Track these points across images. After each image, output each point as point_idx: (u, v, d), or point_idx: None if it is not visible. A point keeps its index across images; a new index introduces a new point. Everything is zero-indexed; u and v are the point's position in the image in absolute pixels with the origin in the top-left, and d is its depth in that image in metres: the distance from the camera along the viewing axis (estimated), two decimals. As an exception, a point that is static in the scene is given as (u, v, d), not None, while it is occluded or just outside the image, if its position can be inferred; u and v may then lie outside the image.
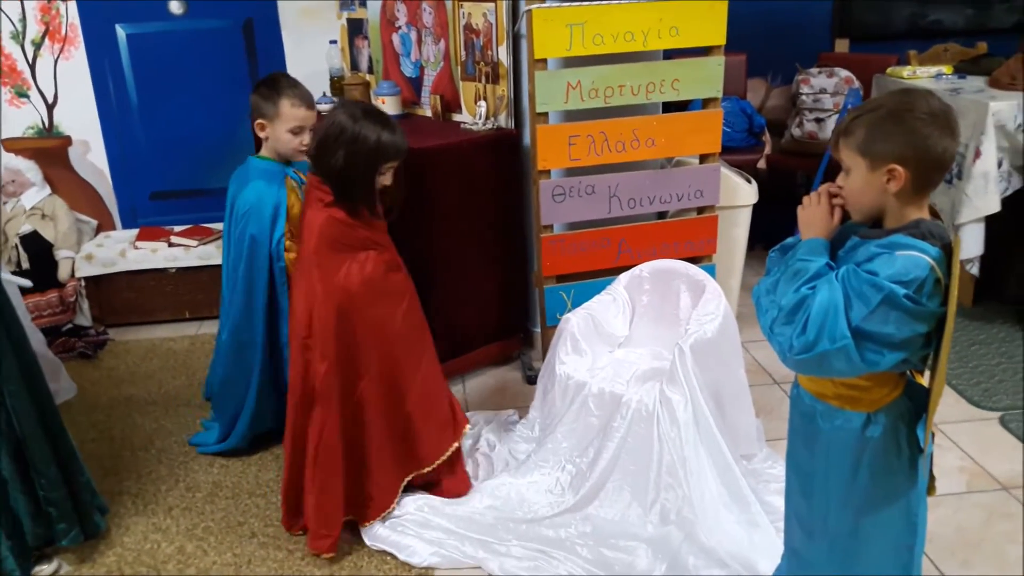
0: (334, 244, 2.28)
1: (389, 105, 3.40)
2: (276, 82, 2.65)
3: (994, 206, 3.41)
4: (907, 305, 1.48)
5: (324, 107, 3.57)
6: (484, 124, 3.14)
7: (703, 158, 3.13)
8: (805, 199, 1.69)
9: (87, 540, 2.38)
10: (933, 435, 1.73)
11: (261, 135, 2.69)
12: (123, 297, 3.92)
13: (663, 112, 3.18)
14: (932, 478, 1.75)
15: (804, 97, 4.37)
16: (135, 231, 4.11)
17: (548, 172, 2.96)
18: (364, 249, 2.31)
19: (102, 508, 2.49)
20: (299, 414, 2.35)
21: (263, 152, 2.73)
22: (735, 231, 3.41)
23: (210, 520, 2.55)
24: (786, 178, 4.69)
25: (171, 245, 3.92)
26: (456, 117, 3.34)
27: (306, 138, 2.64)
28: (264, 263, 2.67)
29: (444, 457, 2.49)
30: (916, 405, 1.67)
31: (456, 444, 2.53)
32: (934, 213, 1.64)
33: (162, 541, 2.46)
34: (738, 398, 2.64)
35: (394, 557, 2.34)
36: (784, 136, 4.52)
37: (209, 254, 3.91)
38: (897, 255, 1.50)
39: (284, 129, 2.63)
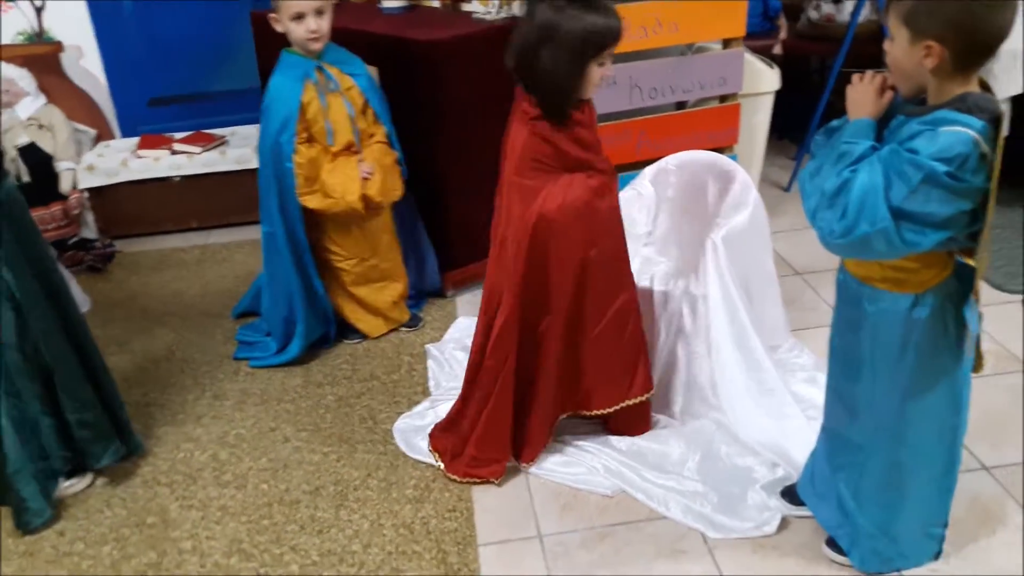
0: (537, 164, 2.01)
1: (394, -3, 3.26)
2: None
3: (1021, 86, 3.32)
4: (948, 183, 1.45)
5: (328, 0, 3.41)
6: (498, 13, 3.00)
7: (726, 43, 3.02)
8: (855, 78, 1.64)
9: (129, 456, 2.38)
10: (982, 315, 1.71)
11: (278, 29, 2.61)
12: (128, 208, 3.84)
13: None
14: (980, 356, 1.74)
15: (821, -23, 4.20)
16: (135, 139, 3.99)
17: (566, 63, 2.84)
18: (570, 171, 2.04)
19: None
20: (476, 351, 2.22)
21: (292, 46, 2.66)
22: (756, 118, 3.33)
23: (241, 427, 2.55)
24: (802, 64, 4.56)
25: (174, 153, 3.82)
26: (466, 7, 3.19)
27: (312, 23, 2.55)
28: (267, 161, 2.63)
29: (609, 410, 2.29)
30: (964, 286, 1.65)
31: (628, 402, 2.29)
32: (985, 86, 1.58)
33: (195, 450, 2.47)
34: (766, 289, 2.62)
35: (430, 464, 2.35)
36: (800, 20, 4.37)
37: (213, 161, 3.82)
38: (940, 131, 1.47)
39: (287, 18, 2.55)
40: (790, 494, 2.13)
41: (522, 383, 2.21)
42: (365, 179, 2.68)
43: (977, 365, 1.75)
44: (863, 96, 1.61)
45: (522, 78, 1.99)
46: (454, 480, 2.27)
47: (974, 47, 1.46)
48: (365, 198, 2.67)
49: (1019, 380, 2.55)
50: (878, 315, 1.70)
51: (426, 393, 2.64)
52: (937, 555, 1.94)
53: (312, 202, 2.66)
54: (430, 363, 2.77)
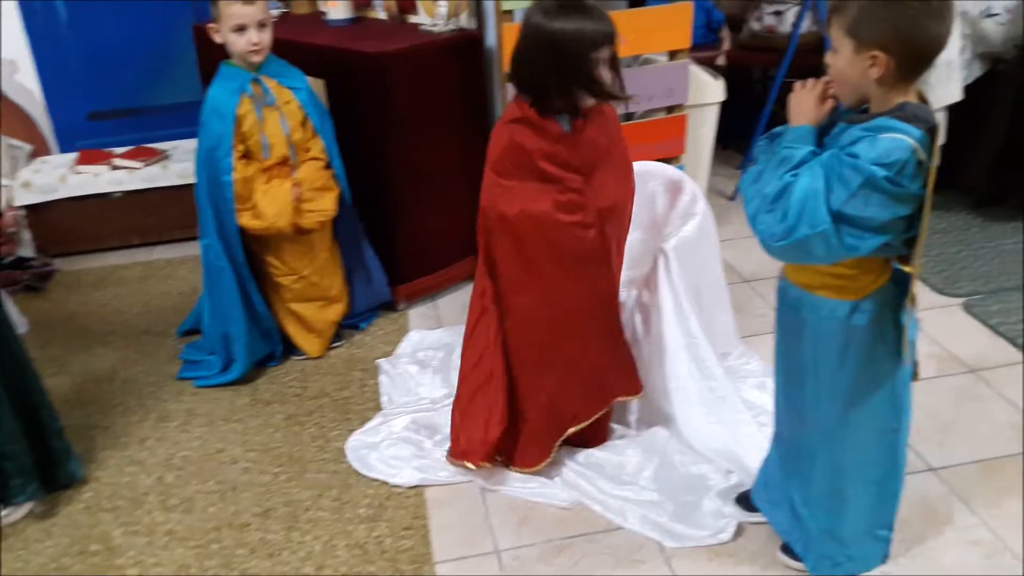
0: (508, 167, 2.05)
1: (340, 8, 3.23)
2: None
3: (956, 95, 3.41)
4: (887, 187, 1.48)
5: (273, 12, 3.38)
6: (445, 25, 2.99)
7: (672, 55, 3.04)
8: (796, 85, 1.67)
9: (55, 491, 2.29)
10: (919, 321, 1.74)
11: (216, 39, 2.57)
12: (66, 225, 3.73)
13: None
14: (915, 364, 1.77)
15: (763, -11, 4.27)
16: (74, 155, 3.88)
17: (514, 75, 2.84)
18: (540, 180, 2.04)
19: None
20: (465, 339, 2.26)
21: (232, 59, 2.62)
22: (702, 130, 3.36)
23: (187, 449, 2.48)
24: (745, 75, 4.62)
25: (114, 168, 3.72)
26: (413, 19, 3.18)
27: (254, 36, 2.51)
28: (203, 174, 2.59)
29: (588, 422, 2.26)
30: (901, 292, 1.68)
31: (604, 410, 2.30)
32: (922, 97, 1.62)
33: (139, 473, 2.39)
34: (716, 297, 2.63)
35: (384, 482, 2.30)
36: (742, 31, 4.43)
37: (155, 176, 3.74)
38: (880, 137, 1.50)
39: (228, 30, 2.51)
40: (744, 501, 2.14)
41: (507, 380, 2.21)
42: (296, 203, 2.65)
43: (914, 374, 1.78)
44: (804, 103, 1.64)
45: (520, 83, 2.02)
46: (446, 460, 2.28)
47: (917, 55, 1.50)
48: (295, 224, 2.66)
49: (961, 382, 2.60)
50: (818, 322, 1.73)
51: (378, 409, 2.59)
52: (884, 558, 1.96)
53: (243, 220, 2.63)
54: (382, 378, 2.73)
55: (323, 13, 3.33)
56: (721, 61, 4.24)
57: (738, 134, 4.25)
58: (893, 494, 1.89)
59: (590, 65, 1.94)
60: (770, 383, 2.54)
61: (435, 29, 3.01)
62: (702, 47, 4.26)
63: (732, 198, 3.93)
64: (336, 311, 2.91)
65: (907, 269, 1.63)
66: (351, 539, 2.12)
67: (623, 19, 2.86)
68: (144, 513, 2.24)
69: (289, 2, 3.56)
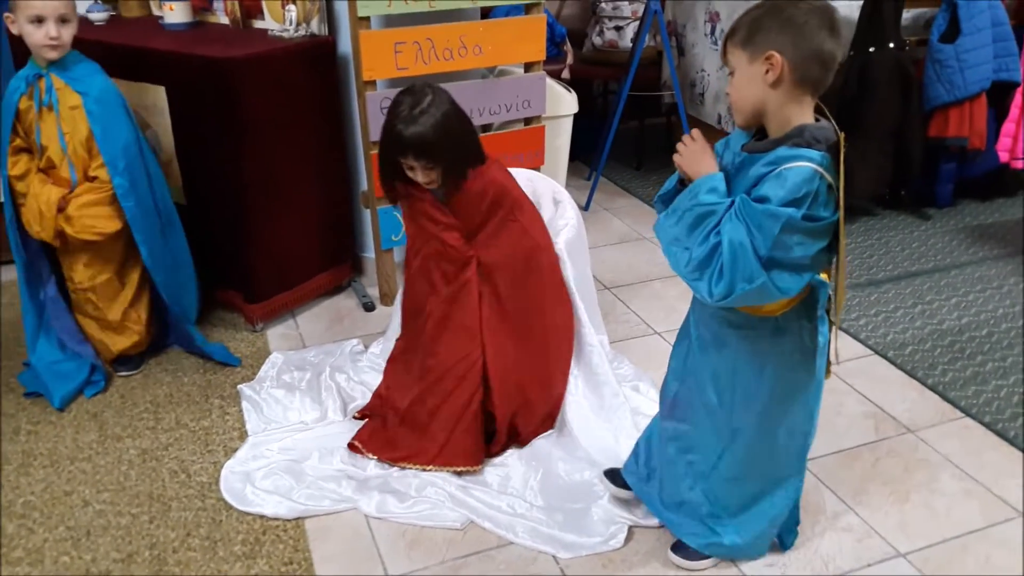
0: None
1: (178, 12, 3.02)
2: None
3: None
4: (806, 226, 1.51)
5: (96, 16, 3.14)
6: (295, 32, 2.86)
7: (527, 67, 3.06)
8: (681, 143, 1.67)
9: None
10: (832, 325, 1.75)
11: (13, 30, 2.41)
12: None
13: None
14: (828, 363, 1.82)
15: (603, 5, 4.39)
16: None
17: (374, 83, 2.76)
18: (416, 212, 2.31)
19: None
20: None
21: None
22: (558, 141, 3.40)
23: (29, 494, 2.22)
24: (586, 88, 4.74)
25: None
26: (259, 24, 3.02)
27: (52, 30, 2.33)
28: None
29: (409, 466, 2.30)
30: (815, 301, 1.70)
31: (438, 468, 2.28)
32: (822, 112, 1.65)
33: (-29, 526, 2.12)
34: (588, 301, 2.66)
35: (261, 515, 2.15)
36: (584, 46, 4.54)
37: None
38: (784, 171, 1.51)
39: (25, 20, 2.34)
40: (613, 476, 2.15)
41: None
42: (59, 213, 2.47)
43: (827, 371, 1.83)
44: (696, 154, 1.64)
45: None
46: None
47: (808, 54, 1.51)
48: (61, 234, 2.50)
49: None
50: (741, 338, 1.74)
51: (243, 438, 2.42)
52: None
53: (24, 218, 2.52)
54: (245, 405, 2.54)
55: (159, 17, 3.11)
56: (566, 75, 4.32)
57: (584, 146, 4.34)
58: (796, 490, 1.96)
59: (395, 161, 2.16)
60: (642, 386, 2.62)
61: (285, 35, 2.88)
62: (547, 61, 4.33)
63: (586, 208, 4.00)
64: (118, 342, 2.69)
65: (823, 277, 1.66)
66: (228, 579, 1.97)
67: (482, 29, 2.87)
68: (-18, 571, 1.99)
69: (116, 4, 3.31)
